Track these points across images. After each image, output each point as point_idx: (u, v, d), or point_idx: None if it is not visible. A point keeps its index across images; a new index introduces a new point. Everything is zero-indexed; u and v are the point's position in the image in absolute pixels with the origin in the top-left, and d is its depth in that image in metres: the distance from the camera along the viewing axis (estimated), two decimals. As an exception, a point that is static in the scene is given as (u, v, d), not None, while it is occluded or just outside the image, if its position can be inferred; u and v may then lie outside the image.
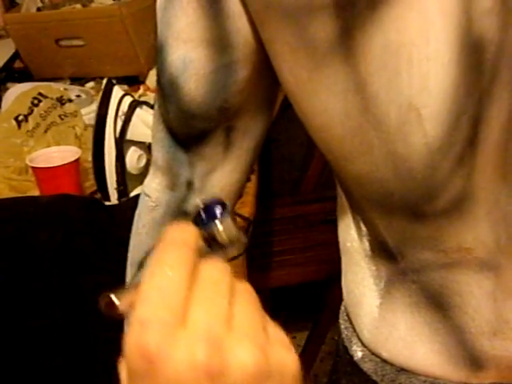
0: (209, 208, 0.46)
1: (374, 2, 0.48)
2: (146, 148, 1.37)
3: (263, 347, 0.37)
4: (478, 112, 0.51)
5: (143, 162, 1.37)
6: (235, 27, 0.57)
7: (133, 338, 0.35)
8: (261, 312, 0.39)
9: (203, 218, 0.46)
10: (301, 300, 2.02)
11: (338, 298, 0.79)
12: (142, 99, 1.66)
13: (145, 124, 1.33)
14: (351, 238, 0.70)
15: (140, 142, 1.35)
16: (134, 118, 1.33)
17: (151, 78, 1.81)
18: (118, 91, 1.34)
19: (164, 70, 0.62)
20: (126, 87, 1.82)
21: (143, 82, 1.83)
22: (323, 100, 0.54)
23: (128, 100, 1.33)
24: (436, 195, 0.56)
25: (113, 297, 0.39)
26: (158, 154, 0.68)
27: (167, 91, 0.62)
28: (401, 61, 0.50)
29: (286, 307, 1.99)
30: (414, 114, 0.51)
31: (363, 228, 0.67)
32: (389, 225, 0.61)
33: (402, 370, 0.68)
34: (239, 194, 0.72)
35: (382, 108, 0.52)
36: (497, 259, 0.59)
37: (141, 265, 0.71)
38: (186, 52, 0.59)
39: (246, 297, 0.39)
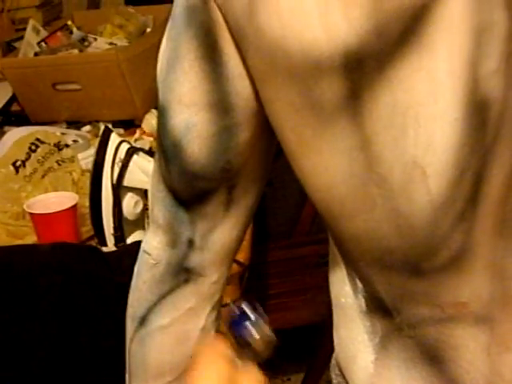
0: (242, 312, 0.47)
1: (383, 64, 0.48)
2: (143, 194, 1.38)
3: None
4: (481, 168, 0.51)
5: (140, 207, 1.38)
6: (236, 89, 0.58)
7: None
8: None
9: (238, 322, 0.47)
10: (296, 342, 2.02)
11: (333, 341, 0.78)
12: (138, 143, 1.69)
13: (141, 170, 1.34)
14: (345, 293, 0.69)
15: (137, 189, 1.37)
16: (131, 165, 1.34)
17: (147, 122, 1.83)
18: (115, 138, 1.36)
19: (167, 133, 0.62)
20: (121, 131, 1.85)
21: (139, 126, 1.85)
22: (326, 158, 0.54)
23: (125, 147, 1.34)
24: (436, 251, 0.55)
25: None
26: (159, 214, 0.68)
27: (170, 153, 0.63)
28: (408, 120, 0.49)
29: (282, 349, 1.98)
30: (418, 171, 0.51)
31: (359, 284, 0.66)
32: (386, 281, 0.61)
33: None
34: (239, 248, 0.73)
35: (387, 166, 0.52)
36: (492, 313, 0.59)
37: (142, 320, 0.71)
38: (189, 116, 0.60)
39: None
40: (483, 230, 0.54)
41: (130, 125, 1.89)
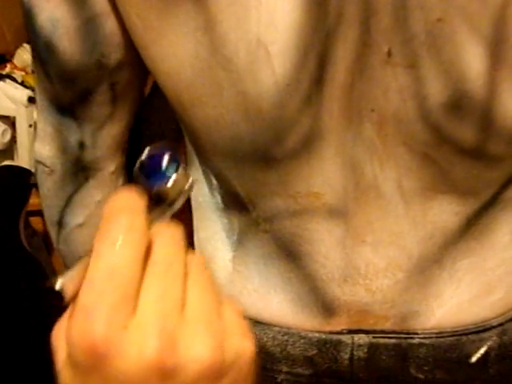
0: (154, 158, 0.39)
1: None
2: (11, 123, 1.35)
3: (219, 338, 0.33)
4: (325, 51, 0.52)
5: (8, 136, 1.35)
6: None
7: (77, 328, 0.31)
8: (215, 294, 0.35)
9: (148, 171, 0.39)
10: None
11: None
12: (9, 77, 1.63)
13: (9, 98, 1.31)
14: (202, 192, 0.70)
15: (4, 117, 1.33)
16: (-3, 92, 1.31)
17: (19, 57, 1.77)
18: (-21, 65, 1.31)
19: (37, 35, 0.60)
20: (-9, 65, 1.78)
21: (10, 61, 1.79)
22: (172, 42, 0.54)
23: (-10, 74, 1.31)
24: (284, 136, 0.56)
25: (59, 283, 0.32)
26: (46, 122, 0.68)
27: (45, 55, 0.61)
28: None
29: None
30: (262, 51, 0.51)
31: (214, 181, 0.66)
32: (239, 174, 0.61)
33: (256, 322, 0.68)
34: (128, 136, 0.72)
35: (231, 47, 0.52)
36: (345, 206, 0.60)
37: (60, 223, 0.73)
38: (51, 12, 0.59)
39: (200, 276, 0.35)
40: (331, 115, 0.55)
41: (0, 60, 1.82)
